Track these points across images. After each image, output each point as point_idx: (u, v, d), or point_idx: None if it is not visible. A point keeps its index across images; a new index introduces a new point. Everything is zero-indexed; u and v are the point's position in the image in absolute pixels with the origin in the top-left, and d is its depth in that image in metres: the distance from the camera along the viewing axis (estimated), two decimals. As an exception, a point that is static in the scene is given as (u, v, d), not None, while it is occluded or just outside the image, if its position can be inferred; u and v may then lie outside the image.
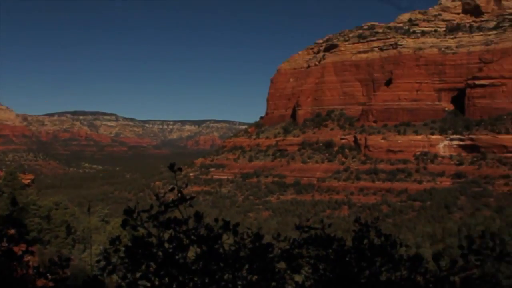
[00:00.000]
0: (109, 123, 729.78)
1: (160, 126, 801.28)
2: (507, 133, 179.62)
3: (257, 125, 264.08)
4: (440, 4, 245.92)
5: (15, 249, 6.60)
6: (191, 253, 5.53)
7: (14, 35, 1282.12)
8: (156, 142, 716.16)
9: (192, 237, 5.39)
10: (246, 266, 5.61)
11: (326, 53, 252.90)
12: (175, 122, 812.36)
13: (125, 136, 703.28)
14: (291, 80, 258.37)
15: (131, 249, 5.47)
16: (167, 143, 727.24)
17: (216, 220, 5.65)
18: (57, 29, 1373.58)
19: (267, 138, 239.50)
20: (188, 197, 5.27)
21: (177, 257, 5.33)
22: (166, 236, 5.51)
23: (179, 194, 5.31)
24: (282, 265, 5.93)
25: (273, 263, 5.69)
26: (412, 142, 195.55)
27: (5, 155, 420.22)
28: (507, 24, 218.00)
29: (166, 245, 5.47)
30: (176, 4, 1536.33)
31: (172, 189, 5.60)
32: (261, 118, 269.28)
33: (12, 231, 6.85)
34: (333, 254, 6.22)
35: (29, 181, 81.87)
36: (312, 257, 6.24)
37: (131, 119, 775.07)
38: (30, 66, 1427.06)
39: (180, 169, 5.53)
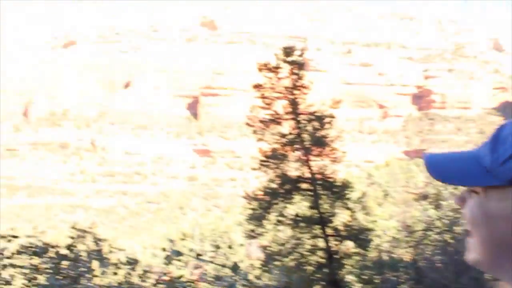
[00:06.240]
0: None
1: None
2: (235, 139, 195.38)
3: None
4: (179, 14, 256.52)
5: None
6: None
7: None
8: None
9: None
10: None
11: (65, 50, 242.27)
12: None
13: None
14: (24, 74, 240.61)
15: None
16: None
17: None
18: None
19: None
20: None
21: None
22: None
23: None
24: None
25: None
26: (149, 145, 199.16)
27: None
28: (238, 41, 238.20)
29: None
30: None
31: None
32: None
33: None
34: (49, 262, 6.05)
35: None
36: (25, 267, 5.98)
37: None
38: None
39: None
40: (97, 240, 6.18)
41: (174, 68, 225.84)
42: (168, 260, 5.79)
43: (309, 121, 17.45)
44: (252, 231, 17.22)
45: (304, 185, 17.12)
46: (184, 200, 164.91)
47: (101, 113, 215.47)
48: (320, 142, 17.25)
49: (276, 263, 16.87)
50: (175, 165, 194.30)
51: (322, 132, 17.40)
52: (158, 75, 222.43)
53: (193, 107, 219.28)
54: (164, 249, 6.04)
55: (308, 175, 17.13)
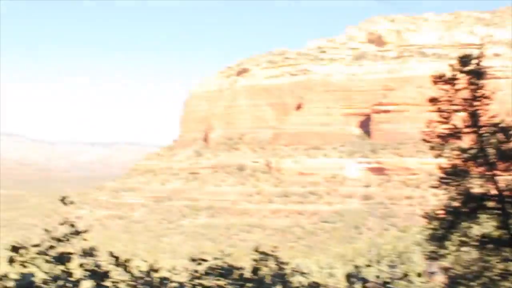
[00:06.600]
0: (14, 144, 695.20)
1: (70, 148, 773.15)
2: (410, 156, 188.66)
3: (169, 148, 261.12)
4: (346, 33, 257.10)
5: None
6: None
7: None
8: (65, 164, 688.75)
9: (85, 271, 5.22)
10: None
11: (238, 77, 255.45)
12: (85, 143, 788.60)
13: (31, 157, 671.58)
14: (203, 103, 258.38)
15: None
16: (76, 165, 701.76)
17: (112, 254, 5.52)
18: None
19: (179, 161, 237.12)
20: (80, 231, 5.11)
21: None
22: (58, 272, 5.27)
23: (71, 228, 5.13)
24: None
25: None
26: (322, 165, 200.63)
27: None
28: (407, 55, 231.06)
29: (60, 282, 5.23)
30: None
31: (63, 223, 5.38)
32: (175, 141, 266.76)
33: None
34: (234, 284, 6.26)
35: None
36: (212, 287, 6.26)
37: (39, 140, 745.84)
38: None
39: (71, 202, 5.37)
40: (279, 263, 6.28)
41: (344, 87, 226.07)
42: (351, 285, 5.67)
43: (493, 133, 16.21)
44: (433, 252, 16.33)
45: (490, 203, 15.86)
46: (359, 219, 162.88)
47: (274, 135, 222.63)
48: (507, 156, 15.91)
49: (461, 287, 15.89)
50: (349, 184, 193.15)
51: (508, 145, 16.07)
52: (328, 95, 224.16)
53: (365, 125, 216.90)
54: (349, 276, 5.94)
55: (494, 192, 15.86)
